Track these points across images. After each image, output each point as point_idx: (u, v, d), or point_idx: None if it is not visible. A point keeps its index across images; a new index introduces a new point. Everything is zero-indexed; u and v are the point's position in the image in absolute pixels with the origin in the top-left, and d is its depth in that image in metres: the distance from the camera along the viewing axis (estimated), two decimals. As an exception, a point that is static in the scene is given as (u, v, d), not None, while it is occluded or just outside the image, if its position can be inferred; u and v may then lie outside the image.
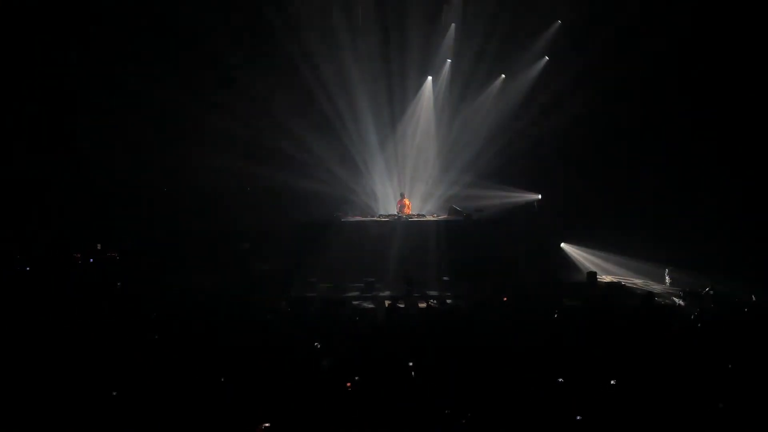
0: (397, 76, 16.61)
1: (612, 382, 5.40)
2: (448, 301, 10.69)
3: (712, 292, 10.38)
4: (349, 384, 5.67)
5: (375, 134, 16.66)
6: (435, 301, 10.49)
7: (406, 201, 15.22)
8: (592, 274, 13.23)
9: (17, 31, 14.59)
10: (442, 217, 15.03)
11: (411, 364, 6.12)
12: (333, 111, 16.33)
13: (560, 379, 5.55)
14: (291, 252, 14.40)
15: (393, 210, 15.21)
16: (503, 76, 16.69)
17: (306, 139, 16.04)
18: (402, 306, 9.71)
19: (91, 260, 14.10)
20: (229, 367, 6.09)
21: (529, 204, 15.95)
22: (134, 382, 5.71)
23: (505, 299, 9.95)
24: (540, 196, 16.00)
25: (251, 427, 4.92)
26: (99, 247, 14.42)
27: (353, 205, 15.61)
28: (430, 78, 17.00)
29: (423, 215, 15.03)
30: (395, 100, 16.81)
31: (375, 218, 14.82)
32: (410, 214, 14.94)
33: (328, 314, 9.32)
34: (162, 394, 5.46)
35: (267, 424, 4.94)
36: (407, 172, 17.15)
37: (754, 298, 9.62)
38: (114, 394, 5.50)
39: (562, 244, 15.44)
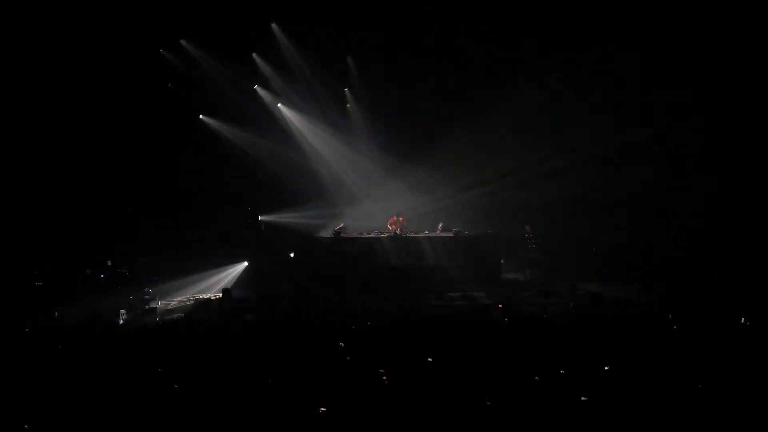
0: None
1: (606, 368, 6.54)
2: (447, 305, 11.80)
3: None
4: (385, 378, 6.70)
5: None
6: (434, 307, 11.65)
7: (401, 219, 16.21)
8: (573, 285, 14.41)
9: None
10: (434, 233, 16.12)
11: (430, 359, 7.21)
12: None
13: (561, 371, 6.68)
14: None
15: (388, 227, 16.19)
16: None
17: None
18: (405, 313, 10.83)
19: (102, 276, 14.81)
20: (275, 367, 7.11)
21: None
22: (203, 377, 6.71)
23: (500, 306, 11.12)
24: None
25: (310, 411, 5.86)
26: (109, 263, 15.13)
27: (353, 222, 16.63)
28: None
29: (415, 232, 16.12)
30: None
31: (372, 235, 15.88)
32: (405, 231, 15.97)
33: (343, 319, 10.35)
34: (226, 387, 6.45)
35: (323, 409, 5.90)
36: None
37: None
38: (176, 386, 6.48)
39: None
